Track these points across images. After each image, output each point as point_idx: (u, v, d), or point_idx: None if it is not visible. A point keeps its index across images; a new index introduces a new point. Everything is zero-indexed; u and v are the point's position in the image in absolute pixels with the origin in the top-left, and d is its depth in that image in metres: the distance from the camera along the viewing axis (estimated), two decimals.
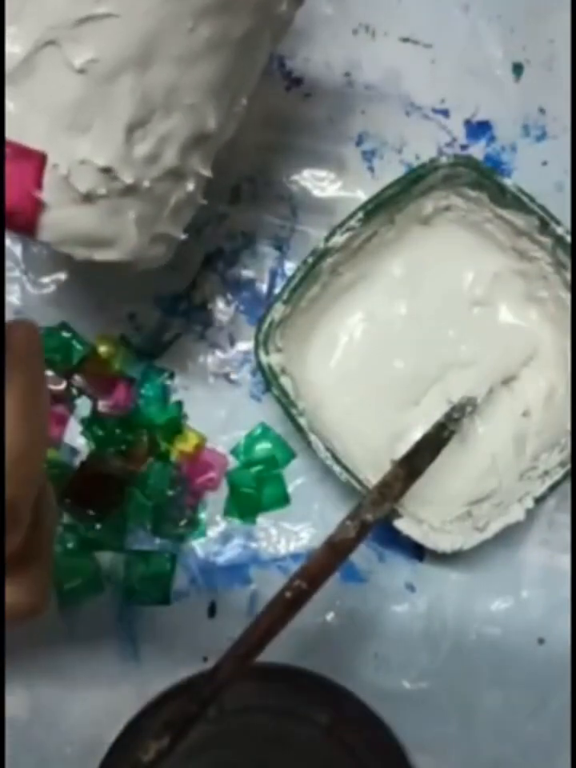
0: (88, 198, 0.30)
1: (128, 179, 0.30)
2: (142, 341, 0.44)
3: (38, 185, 0.29)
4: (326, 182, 0.45)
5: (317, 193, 0.45)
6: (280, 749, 0.41)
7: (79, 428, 0.43)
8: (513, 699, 0.42)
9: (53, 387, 0.43)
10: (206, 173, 0.33)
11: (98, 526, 0.42)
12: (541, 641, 0.43)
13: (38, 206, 0.29)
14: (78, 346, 0.43)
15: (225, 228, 0.44)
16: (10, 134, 0.28)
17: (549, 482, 0.39)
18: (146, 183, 0.30)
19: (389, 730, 0.41)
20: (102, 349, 0.43)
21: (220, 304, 0.44)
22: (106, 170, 0.29)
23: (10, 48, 0.28)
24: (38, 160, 0.29)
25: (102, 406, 0.43)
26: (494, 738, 0.42)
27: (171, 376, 0.44)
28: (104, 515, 0.42)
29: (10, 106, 0.28)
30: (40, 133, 0.29)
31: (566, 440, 0.39)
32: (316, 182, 0.45)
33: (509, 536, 0.41)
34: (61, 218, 0.30)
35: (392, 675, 0.42)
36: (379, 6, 0.45)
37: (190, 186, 0.33)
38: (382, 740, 0.41)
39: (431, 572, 0.43)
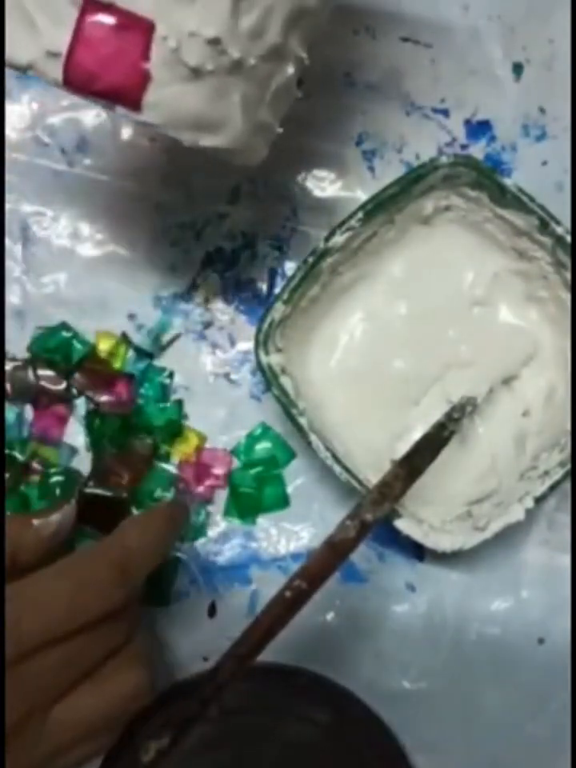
0: (196, 73, 0.28)
1: (235, 54, 0.29)
2: (141, 341, 0.44)
3: (146, 57, 0.27)
4: (326, 182, 0.45)
5: (317, 193, 0.45)
6: (280, 749, 0.41)
7: (79, 428, 0.43)
8: (513, 699, 0.42)
9: (53, 387, 0.43)
10: (304, 55, 0.32)
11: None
12: (541, 641, 0.43)
13: (146, 80, 0.28)
14: (78, 346, 0.43)
15: (225, 228, 0.44)
16: (119, 2, 0.27)
17: (549, 481, 0.39)
18: (252, 61, 0.30)
19: (389, 730, 0.41)
20: (103, 346, 0.43)
21: (220, 304, 0.44)
22: (215, 42, 0.28)
23: None
24: (146, 29, 0.27)
25: (103, 404, 0.43)
26: (493, 738, 0.42)
27: (171, 375, 0.44)
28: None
29: None
30: (148, 3, 0.27)
31: (566, 440, 0.39)
32: (316, 182, 0.45)
33: (509, 536, 0.41)
34: (168, 96, 0.28)
35: (392, 675, 0.42)
36: (379, 5, 0.45)
37: (290, 70, 0.32)
38: (382, 740, 0.41)
39: (431, 572, 0.43)
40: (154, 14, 0.27)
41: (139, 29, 0.27)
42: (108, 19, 0.27)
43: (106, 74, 0.27)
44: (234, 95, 0.30)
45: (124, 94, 0.28)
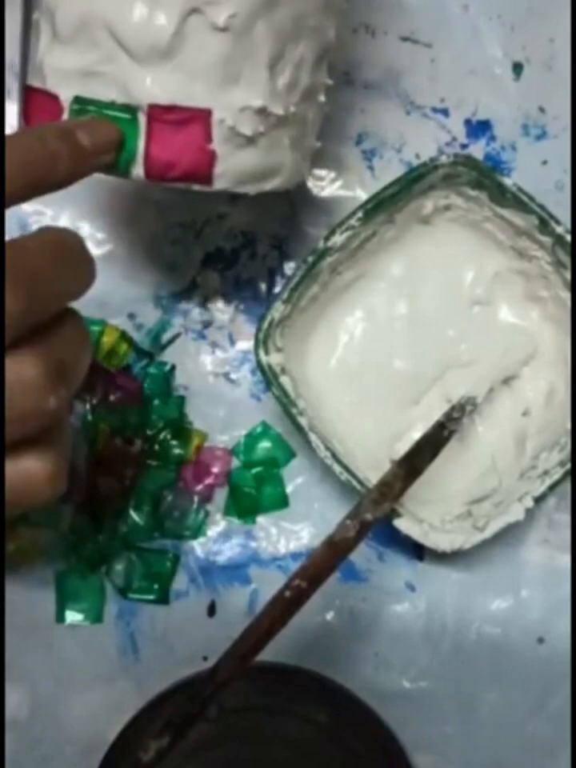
0: (252, 139, 0.32)
1: (279, 111, 0.33)
2: (141, 340, 0.44)
3: (209, 139, 0.31)
4: (325, 181, 0.45)
5: (316, 192, 0.45)
6: (280, 749, 0.41)
7: (79, 427, 0.43)
8: (513, 699, 0.42)
9: None
10: (330, 81, 0.37)
11: (100, 538, 0.42)
12: (541, 640, 0.43)
13: (212, 159, 0.32)
14: None
15: (225, 228, 0.44)
16: (179, 102, 0.31)
17: (549, 481, 0.39)
18: (292, 109, 0.33)
19: (389, 730, 0.41)
20: (107, 339, 0.43)
21: (220, 304, 0.44)
22: (262, 110, 0.32)
23: (159, 26, 0.30)
24: (205, 117, 0.31)
25: (103, 401, 0.43)
26: (493, 738, 0.42)
27: (173, 368, 0.43)
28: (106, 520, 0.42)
29: (171, 79, 0.31)
30: (201, 95, 0.31)
31: (566, 440, 0.39)
32: (316, 182, 0.45)
33: (509, 536, 0.41)
34: (232, 164, 0.32)
35: (392, 675, 0.42)
36: (379, 5, 0.45)
37: (321, 97, 0.36)
38: (382, 740, 0.41)
39: (431, 571, 0.43)
40: (209, 103, 0.31)
41: (199, 118, 0.31)
42: (173, 117, 0.31)
43: (179, 162, 0.31)
44: (284, 141, 0.34)
45: (197, 175, 0.32)
